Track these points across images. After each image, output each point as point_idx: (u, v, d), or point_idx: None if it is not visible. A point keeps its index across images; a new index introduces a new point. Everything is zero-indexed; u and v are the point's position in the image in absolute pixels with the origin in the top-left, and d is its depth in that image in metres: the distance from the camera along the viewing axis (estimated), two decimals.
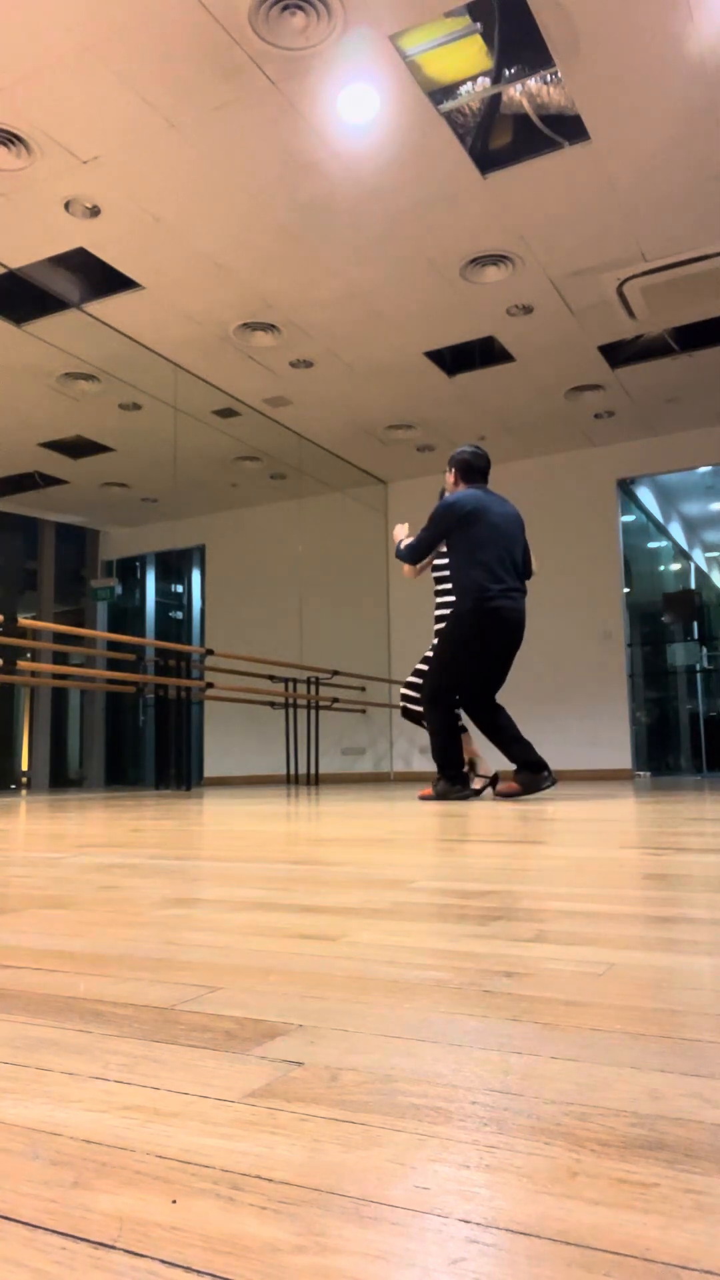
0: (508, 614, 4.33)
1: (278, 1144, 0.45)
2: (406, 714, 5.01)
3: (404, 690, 5.03)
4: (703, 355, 6.84)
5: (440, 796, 4.52)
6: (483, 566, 4.36)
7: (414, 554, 4.61)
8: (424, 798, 4.64)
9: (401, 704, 5.02)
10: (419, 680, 4.92)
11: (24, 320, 6.14)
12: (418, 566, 4.93)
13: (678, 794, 4.76)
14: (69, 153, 4.50)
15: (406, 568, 4.93)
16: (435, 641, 4.73)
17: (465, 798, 4.53)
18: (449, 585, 4.87)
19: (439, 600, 4.98)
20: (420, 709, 4.88)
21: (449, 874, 1.51)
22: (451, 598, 4.78)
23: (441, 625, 4.78)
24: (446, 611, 4.88)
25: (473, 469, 4.65)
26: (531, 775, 4.32)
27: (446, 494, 4.77)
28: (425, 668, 4.88)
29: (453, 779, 4.53)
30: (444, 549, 4.90)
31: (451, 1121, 0.47)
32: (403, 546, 4.67)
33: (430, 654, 4.86)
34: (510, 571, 4.40)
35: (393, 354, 6.74)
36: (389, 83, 4.12)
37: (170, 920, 1.10)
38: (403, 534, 4.83)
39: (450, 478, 4.73)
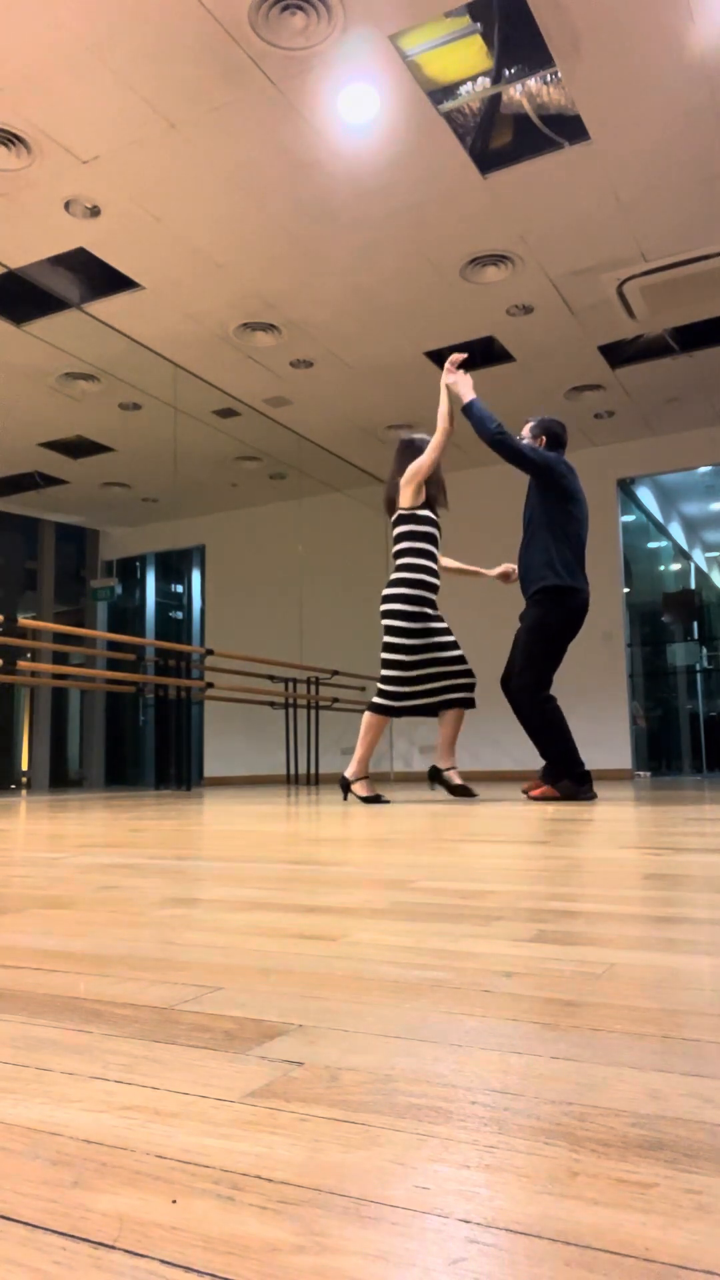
0: (586, 608, 4.23)
1: (278, 1144, 0.45)
2: (386, 711, 4.29)
3: (390, 689, 4.30)
4: (703, 355, 6.84)
5: (569, 797, 4.08)
6: (578, 553, 4.14)
7: (509, 451, 3.94)
8: (538, 797, 4.14)
9: (393, 704, 4.29)
10: (396, 684, 4.29)
11: (24, 320, 6.14)
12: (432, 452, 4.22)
13: (678, 794, 4.76)
14: (69, 153, 4.50)
15: (449, 428, 4.21)
16: (398, 632, 4.20)
17: (591, 799, 4.11)
18: (417, 553, 4.30)
19: (413, 572, 4.29)
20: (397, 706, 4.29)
21: (449, 874, 1.51)
22: (417, 575, 4.27)
23: (404, 601, 4.23)
24: (411, 578, 4.26)
25: (560, 442, 4.26)
26: (575, 785, 4.14)
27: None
28: (394, 673, 4.26)
29: (580, 778, 4.09)
30: (420, 512, 4.30)
31: (451, 1121, 0.47)
32: (480, 409, 3.97)
33: (390, 653, 4.28)
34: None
35: (393, 354, 6.74)
36: (389, 83, 4.12)
37: (170, 920, 1.10)
38: (460, 382, 4.14)
39: (535, 444, 4.26)
